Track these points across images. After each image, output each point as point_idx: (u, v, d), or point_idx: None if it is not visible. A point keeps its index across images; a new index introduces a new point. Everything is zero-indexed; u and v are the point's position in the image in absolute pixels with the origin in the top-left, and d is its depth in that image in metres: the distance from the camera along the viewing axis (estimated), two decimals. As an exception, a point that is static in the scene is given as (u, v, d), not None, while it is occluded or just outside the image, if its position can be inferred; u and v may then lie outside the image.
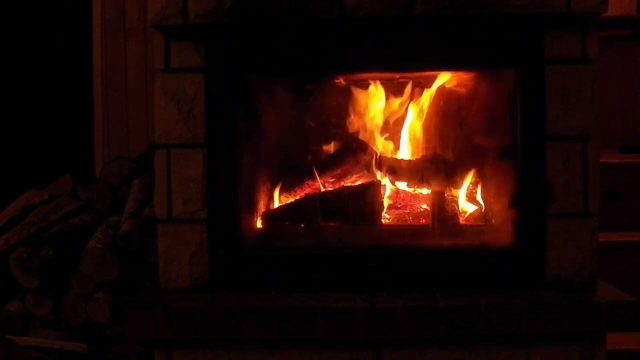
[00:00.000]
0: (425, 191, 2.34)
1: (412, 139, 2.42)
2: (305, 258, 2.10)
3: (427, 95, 2.36)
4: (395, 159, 2.38)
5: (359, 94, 2.39)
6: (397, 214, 2.33)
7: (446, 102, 2.37)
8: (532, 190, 2.03)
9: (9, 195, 2.87)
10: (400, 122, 2.43)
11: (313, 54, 2.08)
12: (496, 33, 2.03)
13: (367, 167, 2.36)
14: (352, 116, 2.44)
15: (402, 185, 2.36)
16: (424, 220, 2.27)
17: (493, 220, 2.22)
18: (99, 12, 3.49)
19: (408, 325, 1.90)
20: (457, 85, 2.34)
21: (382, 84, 2.37)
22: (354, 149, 2.36)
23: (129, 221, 2.38)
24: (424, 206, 2.32)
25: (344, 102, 2.42)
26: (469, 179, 2.29)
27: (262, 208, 2.27)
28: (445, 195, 2.23)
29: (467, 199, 2.30)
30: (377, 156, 2.36)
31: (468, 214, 2.28)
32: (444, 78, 2.31)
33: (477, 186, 2.29)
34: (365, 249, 2.11)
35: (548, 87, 2.01)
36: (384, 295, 1.98)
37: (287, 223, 2.26)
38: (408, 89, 2.38)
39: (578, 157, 2.02)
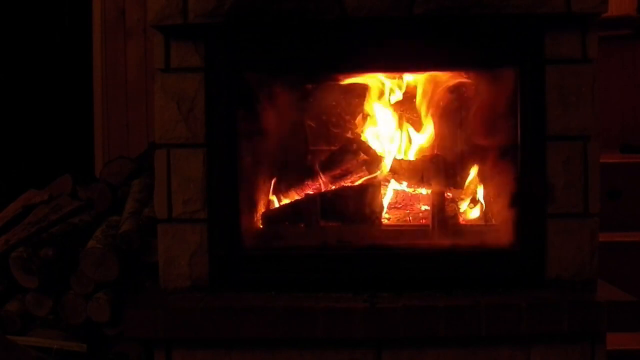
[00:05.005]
0: (425, 191, 2.34)
1: (413, 139, 2.42)
2: (305, 258, 2.10)
3: (427, 95, 2.36)
4: (396, 159, 2.38)
5: (359, 94, 2.39)
6: (397, 214, 2.33)
7: (446, 101, 2.37)
8: (532, 190, 2.03)
9: (9, 195, 2.87)
10: (400, 121, 2.43)
11: (313, 54, 2.08)
12: (496, 33, 2.03)
13: (367, 167, 2.36)
14: (352, 116, 2.44)
15: (402, 185, 2.36)
16: (424, 221, 2.27)
17: (493, 220, 2.22)
18: (99, 12, 3.49)
19: (408, 325, 1.90)
20: (457, 84, 2.34)
21: (382, 83, 2.37)
22: (354, 149, 2.36)
23: (129, 221, 2.38)
24: (424, 206, 2.32)
25: (344, 102, 2.42)
26: (469, 179, 2.29)
27: (262, 208, 2.27)
28: (445, 195, 2.23)
29: (467, 198, 2.30)
30: (377, 156, 2.36)
31: (468, 214, 2.28)
32: (444, 78, 2.31)
33: (477, 186, 2.29)
34: (365, 249, 2.11)
35: (548, 87, 2.01)
36: (384, 295, 1.98)
37: (287, 223, 2.26)
38: (407, 89, 2.38)
39: (578, 157, 2.02)
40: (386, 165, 2.36)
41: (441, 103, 2.37)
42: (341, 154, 2.39)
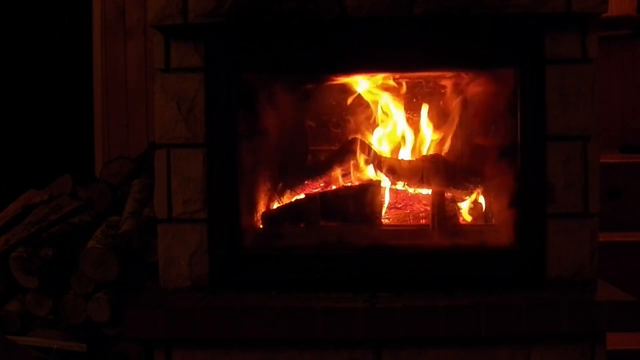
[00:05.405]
0: (425, 191, 2.34)
1: (412, 139, 2.42)
2: (305, 258, 2.10)
3: (427, 95, 2.36)
4: (396, 159, 2.37)
5: (359, 94, 2.39)
6: (397, 214, 2.32)
7: (446, 102, 2.37)
8: (532, 190, 2.03)
9: (9, 195, 2.87)
10: (400, 122, 2.43)
11: (313, 54, 2.08)
12: (496, 33, 2.03)
13: (367, 167, 2.36)
14: (352, 116, 2.44)
15: (402, 185, 2.36)
16: (424, 220, 2.27)
17: (493, 220, 2.22)
18: (99, 12, 3.49)
19: (408, 325, 1.90)
20: (457, 85, 2.34)
21: (382, 83, 2.37)
22: (354, 149, 2.36)
23: (129, 221, 2.38)
24: (425, 205, 2.32)
25: (344, 102, 2.42)
26: (469, 179, 2.29)
27: (262, 208, 2.27)
28: (445, 195, 2.23)
29: (467, 199, 2.30)
30: (377, 156, 2.36)
31: (468, 214, 2.28)
32: (443, 78, 2.31)
33: (477, 186, 2.29)
34: (365, 249, 2.11)
35: (548, 87, 2.01)
36: (384, 295, 1.98)
37: (287, 223, 2.25)
38: (407, 89, 2.38)
39: (578, 157, 2.02)
40: (386, 165, 2.35)
41: (441, 103, 2.37)
42: (341, 154, 2.39)
